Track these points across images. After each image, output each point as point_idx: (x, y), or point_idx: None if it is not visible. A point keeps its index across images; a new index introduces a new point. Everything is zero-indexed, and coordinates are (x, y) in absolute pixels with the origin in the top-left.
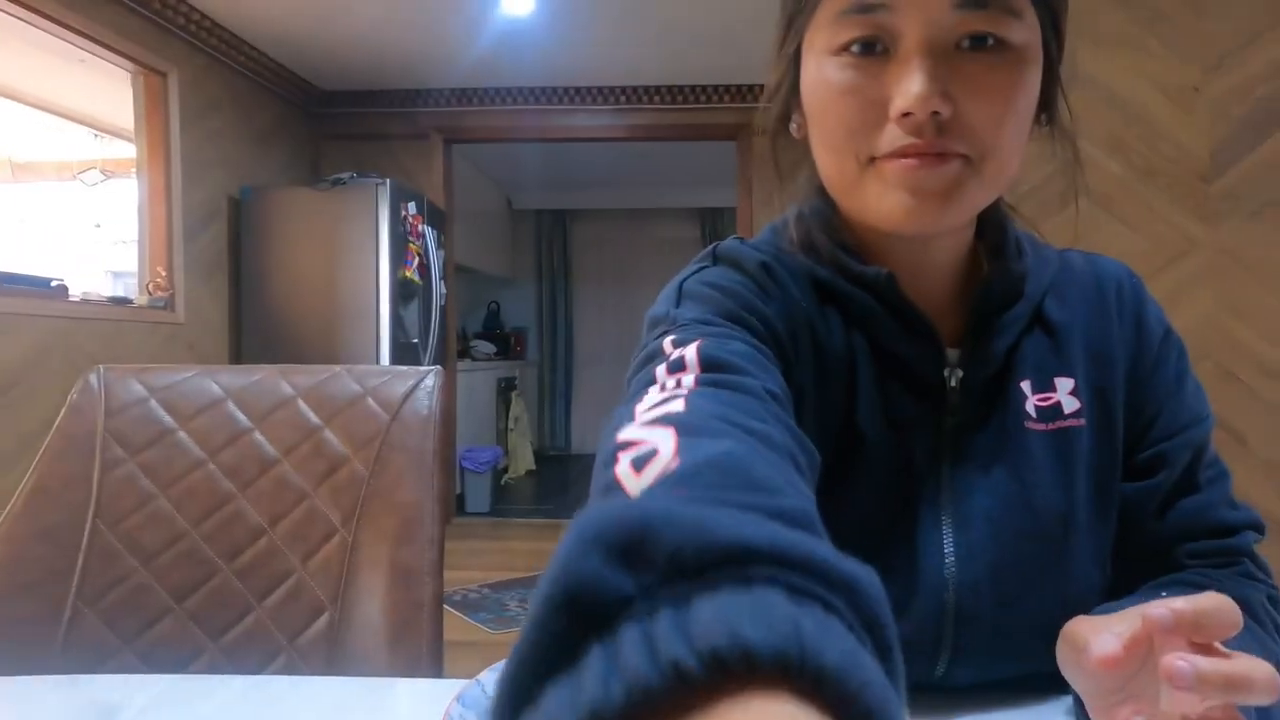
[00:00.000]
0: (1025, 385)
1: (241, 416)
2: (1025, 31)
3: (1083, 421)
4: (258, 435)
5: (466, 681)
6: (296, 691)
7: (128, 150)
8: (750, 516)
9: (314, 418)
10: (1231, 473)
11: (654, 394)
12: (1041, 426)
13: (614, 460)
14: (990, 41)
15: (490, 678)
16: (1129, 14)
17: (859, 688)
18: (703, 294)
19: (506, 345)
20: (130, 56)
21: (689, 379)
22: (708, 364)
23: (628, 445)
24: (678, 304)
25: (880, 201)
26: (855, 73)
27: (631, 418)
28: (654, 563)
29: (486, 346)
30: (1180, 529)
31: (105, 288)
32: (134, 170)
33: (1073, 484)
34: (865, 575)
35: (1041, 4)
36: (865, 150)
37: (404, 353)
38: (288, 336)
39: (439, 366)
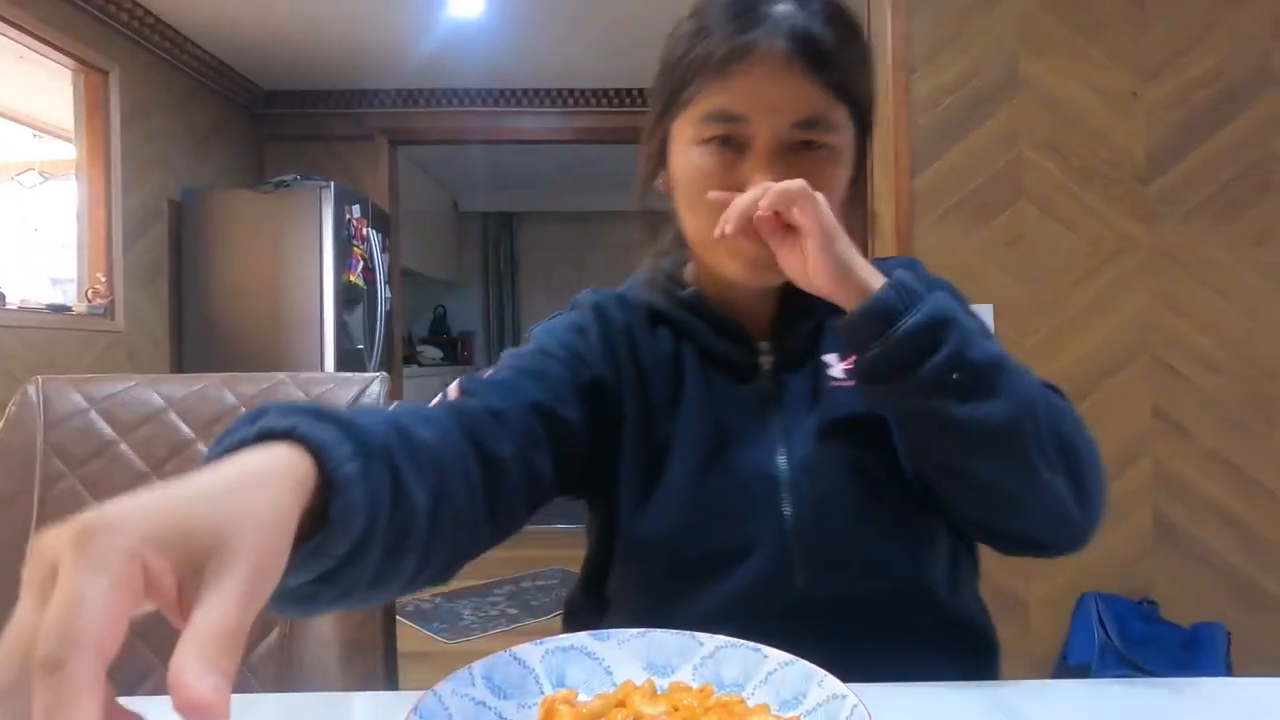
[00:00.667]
0: (831, 357)
1: (184, 427)
2: (841, 136)
3: None
4: (201, 446)
5: (422, 693)
6: (249, 710)
7: (66, 151)
8: (337, 413)
9: None
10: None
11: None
12: (848, 382)
13: None
14: (816, 145)
15: (447, 688)
16: (1070, 22)
17: (315, 446)
18: (542, 337)
19: (454, 350)
20: (71, 54)
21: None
22: (463, 389)
23: None
24: (528, 342)
25: (727, 264)
26: (715, 162)
27: None
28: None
29: (433, 351)
30: None
31: (45, 295)
32: (73, 172)
33: (876, 420)
34: (360, 417)
35: (857, 116)
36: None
37: (349, 359)
38: (230, 344)
39: (385, 373)
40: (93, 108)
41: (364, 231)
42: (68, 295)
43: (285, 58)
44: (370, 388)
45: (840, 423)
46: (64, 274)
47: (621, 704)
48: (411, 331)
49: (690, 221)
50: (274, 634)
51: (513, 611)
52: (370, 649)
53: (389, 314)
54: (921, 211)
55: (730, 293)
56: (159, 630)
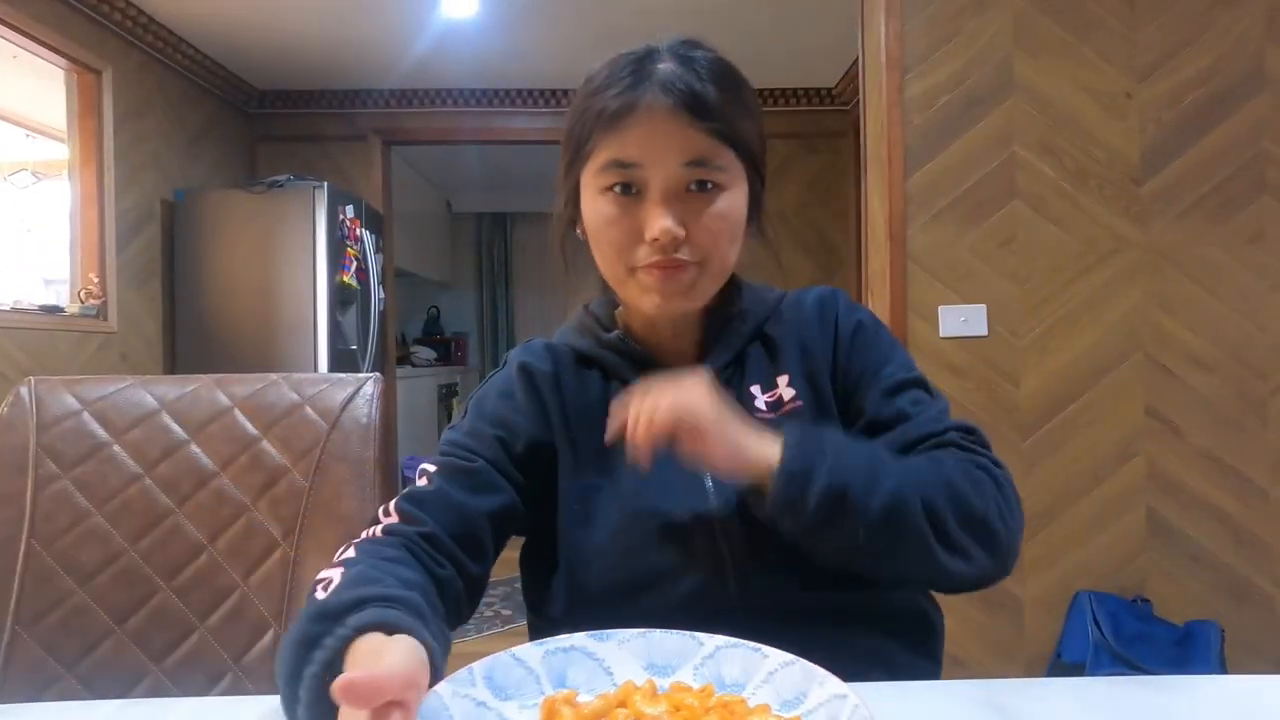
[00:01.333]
0: (755, 389)
1: (177, 428)
2: (731, 176)
3: (800, 403)
4: (194, 447)
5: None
6: (244, 712)
7: (59, 151)
8: (361, 590)
9: (251, 428)
10: (945, 401)
11: (347, 551)
12: (771, 415)
13: (314, 590)
14: (709, 185)
15: (448, 688)
16: (1063, 24)
17: (409, 630)
18: (475, 408)
19: (447, 351)
20: (64, 53)
21: (377, 529)
22: (400, 514)
23: (321, 579)
24: (465, 414)
25: (640, 299)
26: (618, 209)
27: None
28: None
29: (427, 352)
30: (905, 446)
31: (38, 295)
32: (65, 172)
33: None
34: (407, 594)
35: (745, 157)
36: (629, 262)
37: (342, 360)
38: (223, 344)
39: (378, 373)
40: (86, 108)
41: (357, 232)
42: (60, 296)
43: (278, 58)
44: (364, 388)
45: None
46: (57, 274)
47: (623, 704)
48: (405, 332)
49: (601, 262)
50: (268, 635)
51: (506, 613)
52: None
53: (382, 314)
54: (915, 211)
55: (655, 329)
56: (153, 635)
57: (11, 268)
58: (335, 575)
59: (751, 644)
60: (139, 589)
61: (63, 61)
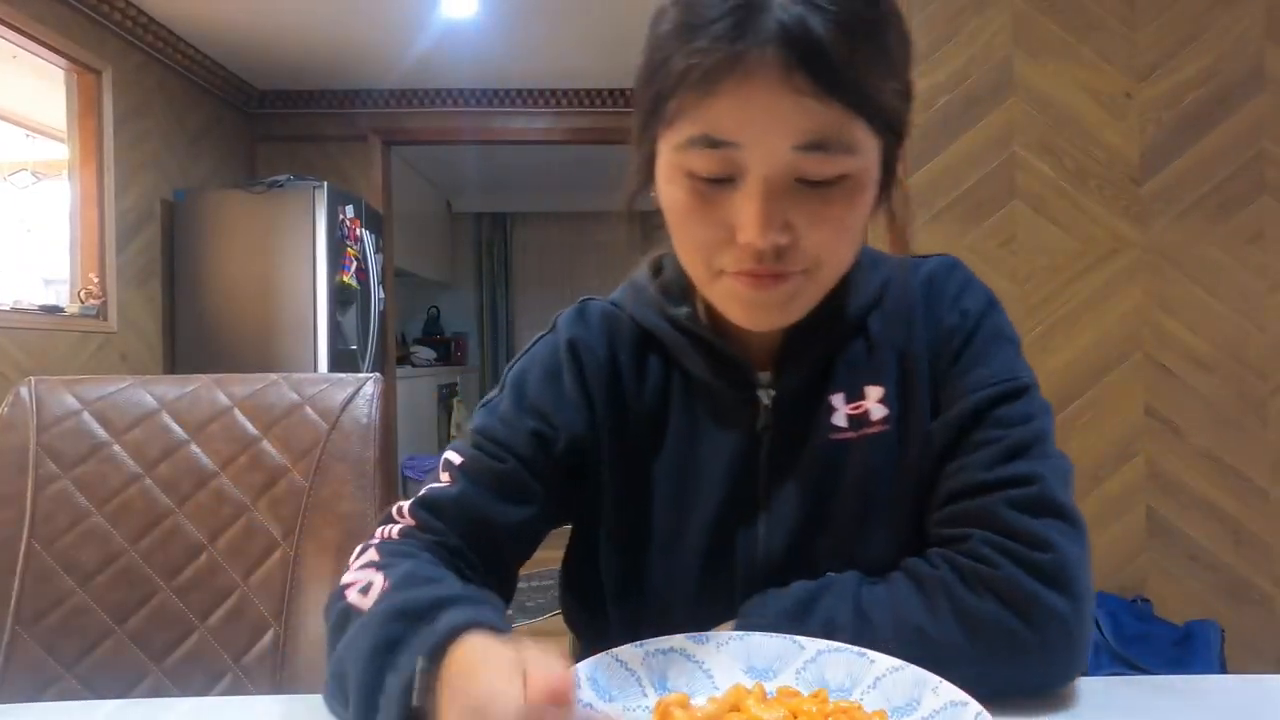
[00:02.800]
0: (837, 398)
1: (177, 428)
2: (861, 160)
3: (888, 427)
4: (194, 447)
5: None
6: (244, 712)
7: (59, 151)
8: (433, 590)
9: (251, 428)
10: (1041, 434)
11: (369, 553)
12: (850, 435)
13: (342, 595)
14: (824, 180)
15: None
16: (1063, 24)
17: (496, 627)
18: (514, 387)
19: (447, 351)
20: (64, 53)
21: (393, 530)
22: (417, 521)
23: (351, 583)
24: (503, 388)
25: (726, 306)
26: (702, 198)
27: (347, 568)
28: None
29: (427, 352)
30: (935, 501)
31: (38, 295)
32: (65, 172)
33: (872, 487)
34: (479, 592)
35: (882, 127)
36: (713, 264)
37: (342, 360)
38: (223, 344)
39: (378, 373)
40: (86, 108)
41: (357, 232)
42: (60, 296)
43: (278, 58)
44: (364, 388)
45: (832, 488)
46: (57, 275)
47: (735, 708)
48: (405, 332)
49: (680, 255)
50: (268, 636)
51: (508, 613)
52: None
53: (382, 314)
54: (915, 211)
55: None
56: (153, 635)
57: (11, 268)
58: (374, 578)
59: (855, 649)
60: (139, 589)
61: (63, 61)
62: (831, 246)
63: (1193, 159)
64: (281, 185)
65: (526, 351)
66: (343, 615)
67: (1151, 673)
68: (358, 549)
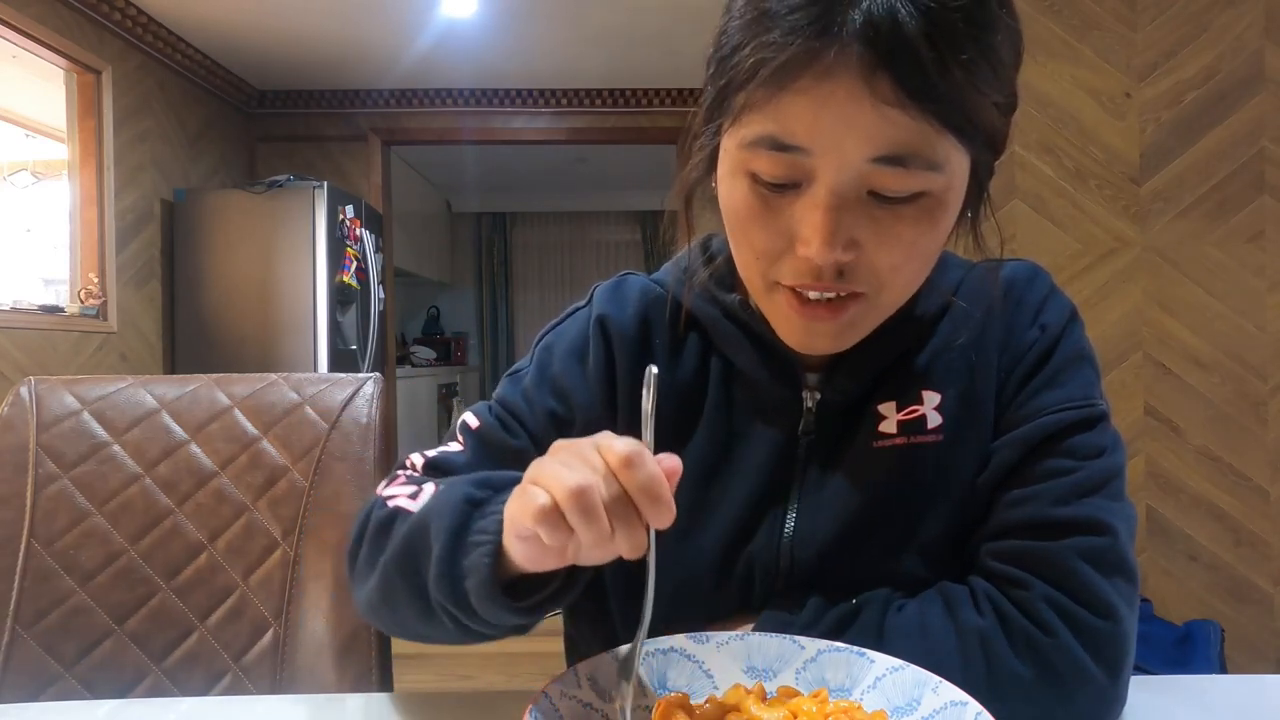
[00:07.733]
0: (887, 407)
1: (177, 428)
2: (944, 178)
3: (941, 437)
4: (194, 447)
5: (533, 693)
6: (244, 712)
7: (59, 151)
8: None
9: (251, 428)
10: (1115, 472)
11: (398, 480)
12: (900, 441)
13: (384, 504)
14: (902, 196)
15: (556, 689)
16: (1062, 24)
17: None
18: (540, 362)
19: (447, 351)
20: (64, 54)
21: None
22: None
23: (392, 495)
24: (531, 359)
25: (780, 323)
26: (764, 202)
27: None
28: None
29: (426, 352)
30: (991, 526)
31: (38, 295)
32: (65, 172)
33: (915, 499)
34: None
35: (973, 142)
36: (770, 274)
37: (342, 360)
38: (223, 344)
39: (378, 373)
40: (85, 108)
41: (357, 232)
42: (60, 296)
43: (278, 58)
44: (364, 388)
45: (871, 498)
46: (56, 275)
47: (735, 708)
48: (405, 332)
49: (736, 259)
50: (268, 636)
51: None
52: (364, 650)
53: (382, 314)
54: None
55: None
56: (153, 635)
57: (11, 268)
58: (418, 489)
59: (855, 649)
60: (139, 589)
61: (63, 61)
62: (899, 269)
63: (1192, 159)
64: (281, 185)
65: (560, 322)
66: (387, 518)
67: (1151, 672)
68: (382, 483)
